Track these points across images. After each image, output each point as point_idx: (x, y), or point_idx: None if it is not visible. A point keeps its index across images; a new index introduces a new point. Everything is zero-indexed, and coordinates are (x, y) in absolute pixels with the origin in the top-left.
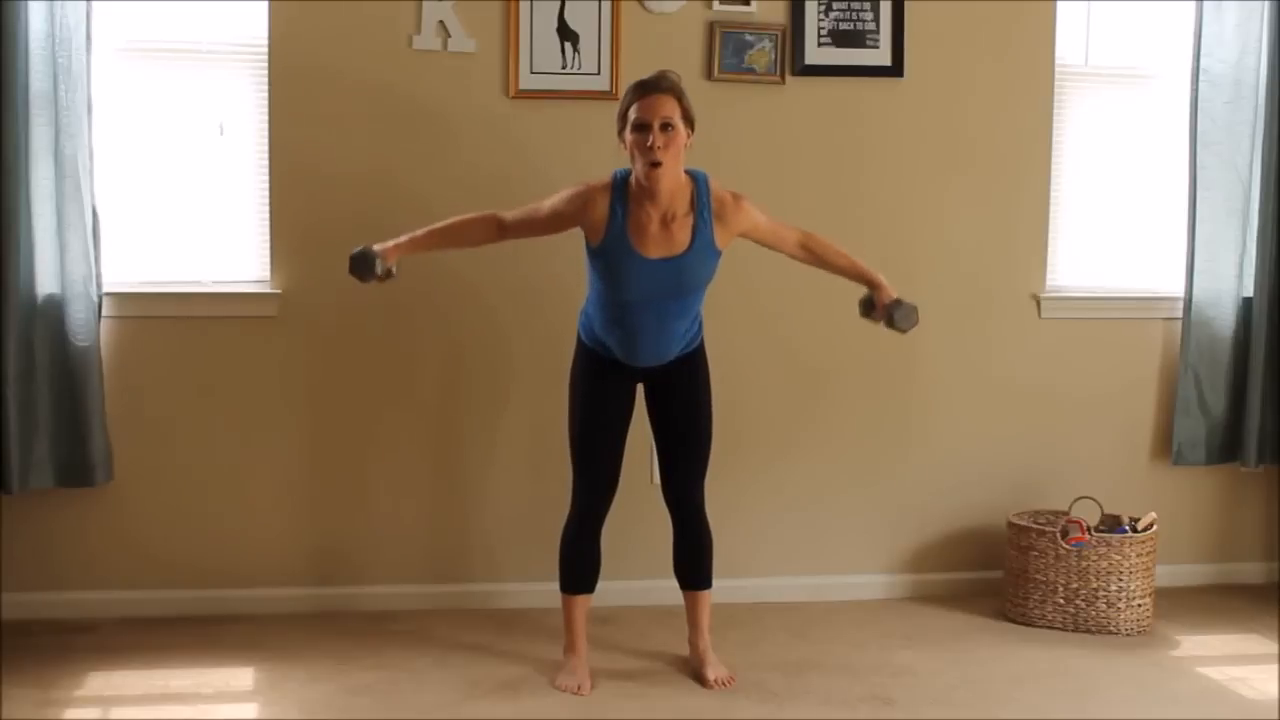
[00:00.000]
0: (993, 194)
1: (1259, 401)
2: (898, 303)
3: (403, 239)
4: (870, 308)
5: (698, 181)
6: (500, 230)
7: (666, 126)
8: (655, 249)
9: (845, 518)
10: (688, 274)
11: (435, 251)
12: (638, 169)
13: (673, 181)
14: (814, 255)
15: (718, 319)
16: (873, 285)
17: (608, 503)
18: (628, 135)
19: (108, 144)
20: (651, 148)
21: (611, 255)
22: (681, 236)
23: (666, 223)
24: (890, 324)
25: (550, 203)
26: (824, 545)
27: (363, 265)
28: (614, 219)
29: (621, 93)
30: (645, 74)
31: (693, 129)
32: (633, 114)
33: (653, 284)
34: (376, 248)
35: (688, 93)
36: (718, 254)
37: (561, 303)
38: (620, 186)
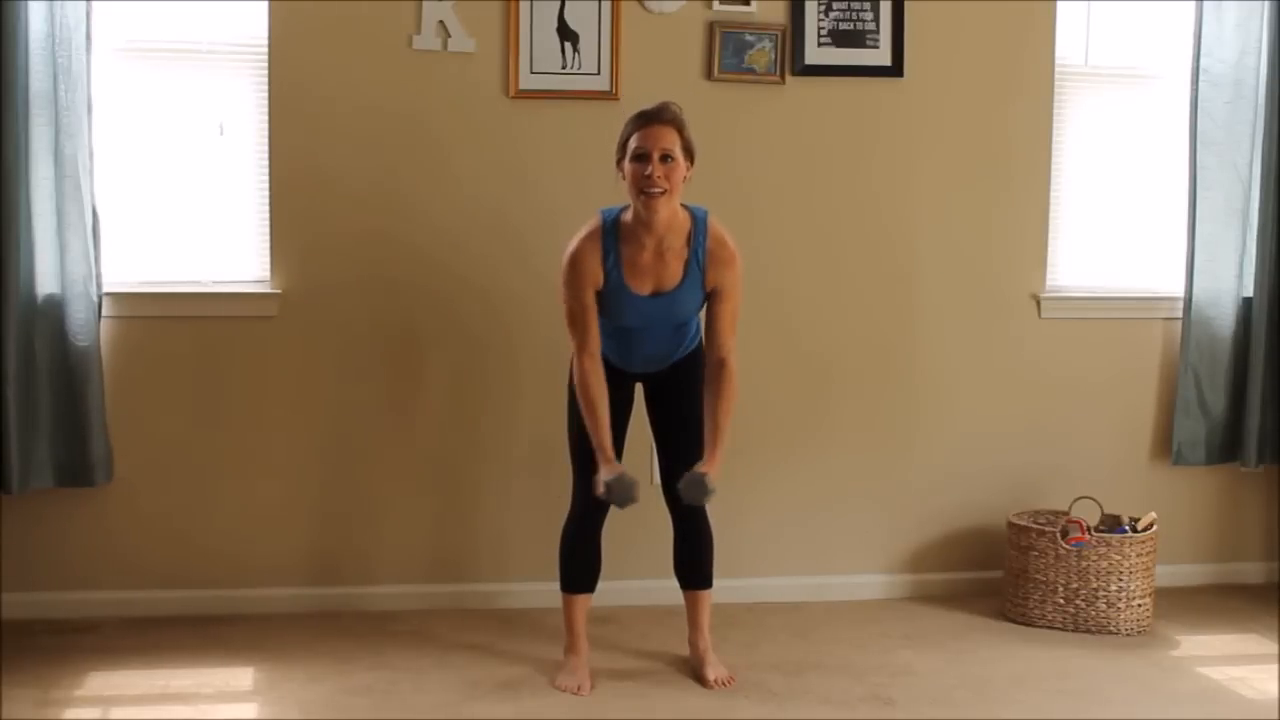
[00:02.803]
0: (993, 194)
1: (1259, 401)
2: (695, 476)
3: (606, 449)
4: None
5: (696, 219)
6: (595, 356)
7: (666, 158)
8: (648, 284)
9: (845, 518)
10: (679, 307)
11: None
12: (636, 200)
13: (670, 213)
14: (712, 377)
15: None
16: (706, 451)
17: (610, 504)
18: (627, 165)
19: (108, 144)
20: (651, 178)
21: (608, 295)
22: (674, 269)
23: (660, 253)
24: (680, 488)
25: (573, 300)
26: (824, 545)
27: (627, 494)
28: (608, 263)
29: (621, 93)
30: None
31: (693, 161)
32: (633, 144)
33: (647, 315)
34: (618, 475)
35: (688, 124)
36: (705, 293)
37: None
38: (610, 228)
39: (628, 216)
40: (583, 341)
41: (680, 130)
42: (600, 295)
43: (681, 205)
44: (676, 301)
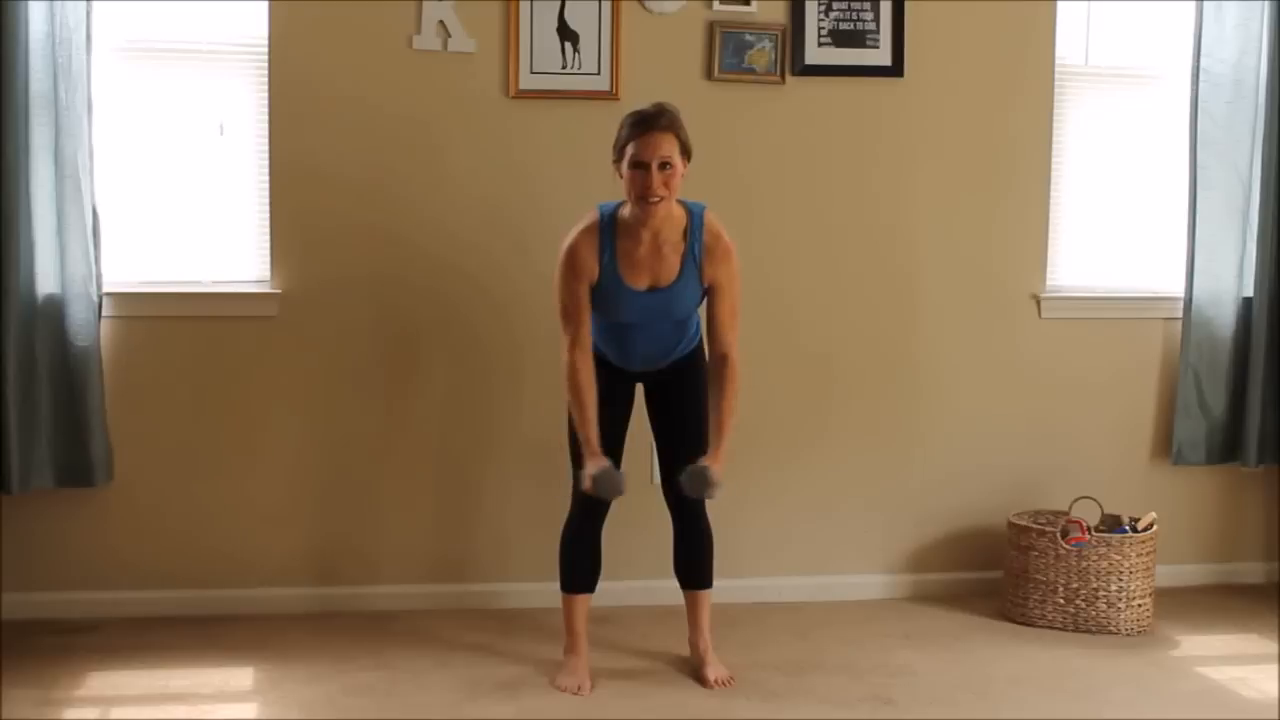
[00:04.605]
0: (993, 194)
1: (1259, 401)
2: (699, 469)
3: (592, 442)
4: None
5: (692, 214)
6: (585, 350)
7: (665, 165)
8: (645, 279)
9: (846, 518)
10: (677, 302)
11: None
12: (635, 205)
13: (668, 211)
14: (716, 373)
15: None
16: (710, 446)
17: (608, 503)
18: (625, 170)
19: (108, 144)
20: (650, 188)
21: (604, 290)
22: (671, 263)
23: (657, 247)
24: (681, 480)
25: (567, 293)
26: (824, 545)
27: (613, 486)
28: (604, 258)
29: (621, 93)
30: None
31: (689, 158)
32: (630, 152)
33: (645, 311)
34: (604, 468)
35: (684, 123)
36: (704, 287)
37: None
38: (608, 224)
39: (625, 213)
40: (575, 336)
41: (677, 133)
42: (596, 292)
43: (678, 201)
44: (674, 297)
